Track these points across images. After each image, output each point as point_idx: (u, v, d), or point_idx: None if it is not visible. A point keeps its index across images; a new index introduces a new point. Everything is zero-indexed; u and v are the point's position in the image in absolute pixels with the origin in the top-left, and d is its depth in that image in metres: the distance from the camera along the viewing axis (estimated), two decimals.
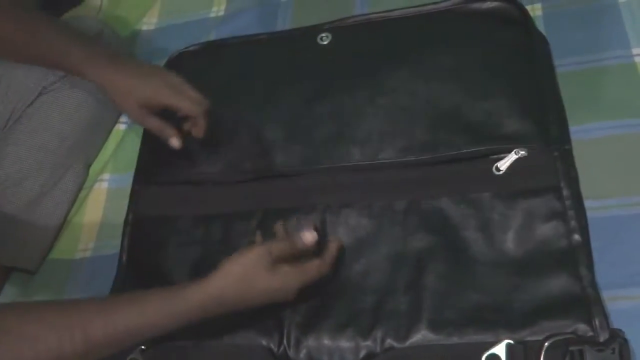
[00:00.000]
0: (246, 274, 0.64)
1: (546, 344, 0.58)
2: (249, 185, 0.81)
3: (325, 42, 0.89)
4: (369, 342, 0.66)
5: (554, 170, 0.69)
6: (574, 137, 0.73)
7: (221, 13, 1.04)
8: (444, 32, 0.84)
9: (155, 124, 0.78)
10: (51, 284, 0.84)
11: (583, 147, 0.72)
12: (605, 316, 0.60)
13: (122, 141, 0.95)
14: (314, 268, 0.66)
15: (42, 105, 0.89)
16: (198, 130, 0.79)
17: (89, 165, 0.94)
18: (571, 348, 0.57)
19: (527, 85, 0.77)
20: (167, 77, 0.78)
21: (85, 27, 0.93)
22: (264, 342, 0.69)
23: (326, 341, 0.67)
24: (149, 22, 1.08)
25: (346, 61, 0.86)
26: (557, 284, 0.63)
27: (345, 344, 0.66)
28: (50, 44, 0.77)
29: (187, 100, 0.77)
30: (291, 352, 0.68)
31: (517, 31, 0.81)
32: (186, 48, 0.97)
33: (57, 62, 0.78)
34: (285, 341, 0.69)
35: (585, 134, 0.74)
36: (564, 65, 0.79)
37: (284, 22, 0.98)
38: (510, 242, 0.67)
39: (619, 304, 0.62)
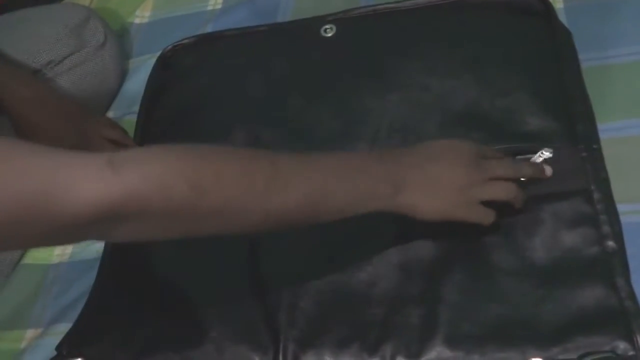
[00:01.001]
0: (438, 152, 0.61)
1: None
2: None
3: (329, 35, 0.84)
4: (376, 359, 0.59)
5: (583, 171, 0.64)
6: (602, 135, 0.67)
7: (218, 6, 0.99)
8: (458, 24, 0.79)
9: None
10: (24, 290, 0.78)
11: (613, 146, 0.66)
12: None
13: None
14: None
15: None
16: None
17: None
18: None
19: (550, 80, 0.71)
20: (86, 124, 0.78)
21: (70, 14, 0.88)
22: (256, 359, 0.62)
23: (327, 358, 0.60)
24: (142, 16, 1.03)
25: (352, 54, 0.81)
26: (591, 295, 0.56)
27: None
28: None
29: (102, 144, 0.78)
30: None
31: (538, 23, 0.75)
32: (180, 41, 0.92)
33: None
34: (281, 358, 0.61)
35: (615, 132, 0.68)
36: (586, 60, 0.74)
37: (285, 16, 0.93)
38: (536, 250, 0.60)
39: None
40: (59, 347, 0.67)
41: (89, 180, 0.44)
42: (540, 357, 0.53)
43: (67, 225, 0.44)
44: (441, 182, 0.58)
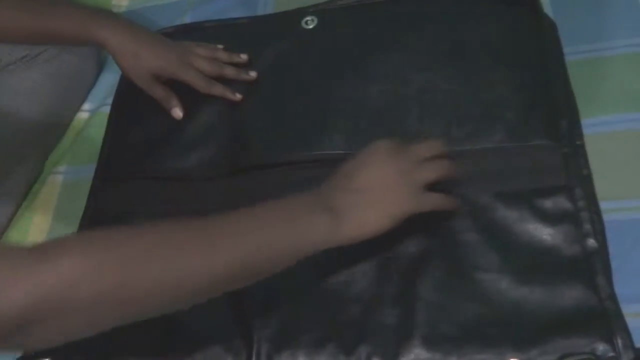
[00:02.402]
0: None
1: None
2: (223, 181, 0.73)
3: (310, 26, 0.82)
4: None
5: (564, 168, 0.63)
6: (587, 131, 0.66)
7: None
8: (441, 16, 0.78)
9: (161, 93, 0.80)
10: None
11: (598, 141, 0.65)
12: (628, 333, 0.52)
13: (84, 131, 0.86)
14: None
15: None
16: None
17: (46, 156, 0.86)
18: None
19: (533, 74, 0.70)
20: (181, 48, 0.80)
21: None
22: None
23: (302, 358, 0.58)
24: (118, 5, 1.00)
25: (333, 46, 0.80)
26: (571, 295, 0.55)
27: None
28: (67, 14, 0.77)
29: (196, 76, 0.78)
30: None
31: (522, 15, 0.74)
32: (160, 31, 0.89)
33: (76, 32, 0.77)
34: (254, 358, 0.60)
35: (601, 127, 0.66)
36: (574, 53, 0.72)
37: (266, 6, 0.91)
38: (515, 248, 0.59)
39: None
40: None
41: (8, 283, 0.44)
42: (518, 359, 0.52)
43: None
44: (375, 187, 0.58)
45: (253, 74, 0.79)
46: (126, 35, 0.77)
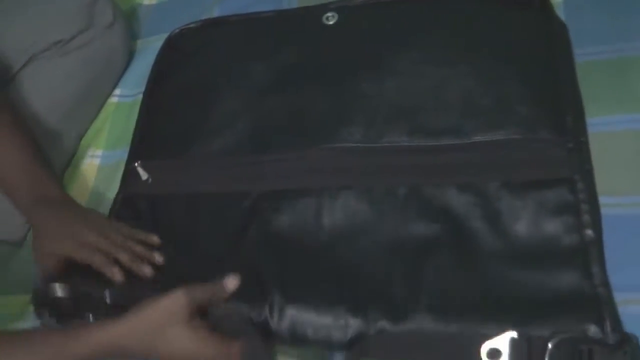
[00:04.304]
0: (158, 325, 0.57)
1: (551, 341, 0.53)
2: (245, 165, 0.77)
3: (330, 22, 0.85)
4: (359, 321, 0.61)
5: (568, 161, 0.65)
6: (591, 129, 0.69)
7: None
8: (456, 14, 0.80)
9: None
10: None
11: (600, 140, 0.68)
12: (617, 318, 0.55)
13: (115, 115, 0.91)
14: (237, 351, 0.58)
15: (32, 72, 0.86)
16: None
17: (80, 138, 0.90)
18: (580, 347, 0.52)
19: (541, 72, 0.72)
20: (79, 228, 0.71)
21: None
22: (244, 308, 0.64)
23: (313, 314, 0.62)
24: (150, 2, 1.05)
25: (352, 42, 0.83)
26: (567, 280, 0.58)
27: (333, 320, 0.62)
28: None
29: (90, 255, 0.70)
30: (273, 322, 0.63)
31: (534, 16, 0.77)
32: (187, 25, 0.94)
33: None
34: (267, 308, 0.64)
35: (603, 127, 0.69)
36: (585, 54, 0.75)
37: (290, 1, 0.95)
38: (518, 235, 0.62)
39: (630, 309, 0.57)
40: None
41: None
42: (515, 331, 0.55)
43: None
44: None
45: (159, 259, 0.72)
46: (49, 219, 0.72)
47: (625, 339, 0.53)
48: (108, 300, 0.67)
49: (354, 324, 0.61)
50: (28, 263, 0.79)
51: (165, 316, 0.57)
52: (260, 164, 0.76)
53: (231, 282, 0.63)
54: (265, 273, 0.67)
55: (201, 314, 0.60)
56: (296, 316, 0.63)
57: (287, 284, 0.65)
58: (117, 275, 0.69)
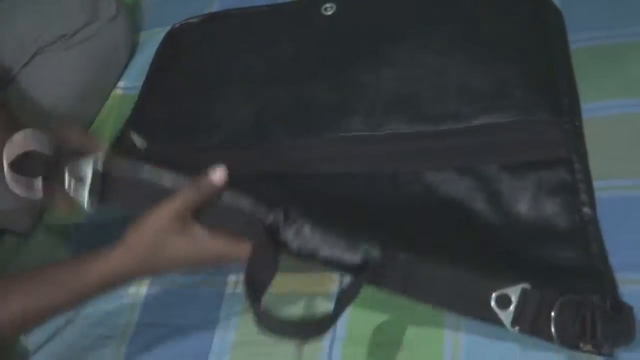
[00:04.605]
0: (154, 241, 0.56)
1: (562, 298, 0.53)
2: (246, 154, 0.78)
3: (329, 13, 0.87)
4: (377, 250, 0.58)
5: (565, 142, 0.67)
6: (585, 115, 0.70)
7: None
8: (454, 2, 0.82)
9: None
10: (45, 247, 0.82)
11: (594, 125, 0.69)
12: (616, 289, 0.57)
13: (119, 106, 0.92)
14: (245, 250, 0.57)
15: (37, 66, 0.87)
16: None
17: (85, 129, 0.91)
18: (583, 312, 0.53)
19: (538, 57, 0.74)
20: None
21: None
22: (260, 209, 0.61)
23: (332, 233, 0.60)
24: None
25: (351, 32, 0.84)
26: (568, 256, 0.60)
27: (348, 243, 0.59)
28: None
29: None
30: (285, 231, 0.60)
31: (530, 2, 0.79)
32: (187, 20, 0.95)
33: None
34: (282, 215, 0.60)
35: (598, 112, 0.70)
36: (580, 40, 0.77)
37: None
38: (519, 215, 0.64)
39: (625, 288, 0.58)
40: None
41: None
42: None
43: None
44: None
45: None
46: None
47: (624, 307, 0.54)
48: None
49: (370, 251, 0.58)
50: (35, 255, 0.81)
51: (155, 234, 0.57)
52: (263, 154, 0.77)
53: (217, 175, 0.59)
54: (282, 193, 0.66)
55: (202, 214, 0.58)
56: (312, 229, 0.60)
57: (306, 202, 0.64)
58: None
